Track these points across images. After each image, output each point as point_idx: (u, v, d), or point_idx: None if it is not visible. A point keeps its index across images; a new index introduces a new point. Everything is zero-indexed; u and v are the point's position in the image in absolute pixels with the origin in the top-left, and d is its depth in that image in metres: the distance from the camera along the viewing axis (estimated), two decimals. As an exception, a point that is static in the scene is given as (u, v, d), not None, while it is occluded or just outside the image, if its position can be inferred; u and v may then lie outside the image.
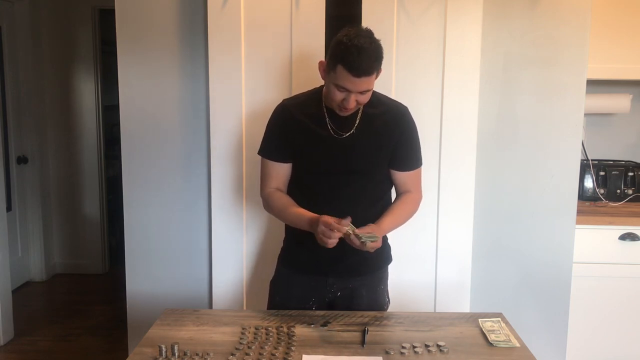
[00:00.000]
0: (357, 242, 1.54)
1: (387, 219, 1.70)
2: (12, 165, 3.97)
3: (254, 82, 2.21)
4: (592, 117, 2.91)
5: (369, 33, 1.58)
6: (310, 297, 1.80)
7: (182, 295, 2.39)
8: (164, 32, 2.28)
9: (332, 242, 1.54)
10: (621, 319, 2.49)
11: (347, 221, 1.53)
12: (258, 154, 1.82)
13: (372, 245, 1.55)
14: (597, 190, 2.72)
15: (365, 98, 1.62)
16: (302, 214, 1.67)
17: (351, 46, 1.51)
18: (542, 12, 2.25)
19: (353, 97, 1.58)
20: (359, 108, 1.69)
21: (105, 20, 4.26)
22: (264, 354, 1.44)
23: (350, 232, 1.54)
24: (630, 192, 2.72)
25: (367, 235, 1.54)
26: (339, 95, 1.59)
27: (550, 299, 2.38)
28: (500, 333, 1.58)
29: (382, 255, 1.83)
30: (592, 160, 2.76)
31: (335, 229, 1.52)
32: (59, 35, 4.23)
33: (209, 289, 2.38)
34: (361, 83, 1.55)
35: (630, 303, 2.48)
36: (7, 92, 3.90)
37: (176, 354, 1.43)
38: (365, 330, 1.58)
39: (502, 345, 1.51)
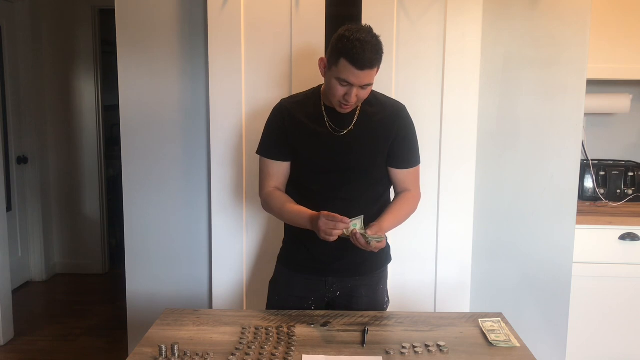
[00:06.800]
0: (362, 241, 1.55)
1: (387, 218, 1.70)
2: (12, 165, 3.97)
3: (254, 82, 2.21)
4: (592, 117, 2.91)
5: (369, 29, 1.60)
6: (310, 297, 1.81)
7: (182, 295, 2.39)
8: (164, 32, 2.28)
9: (336, 232, 1.55)
10: (621, 319, 2.49)
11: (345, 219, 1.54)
12: (257, 153, 1.82)
13: (376, 245, 1.56)
14: (597, 190, 2.72)
15: (365, 93, 1.63)
16: (302, 212, 1.68)
17: (354, 40, 1.53)
18: (542, 12, 2.25)
19: (354, 91, 1.59)
20: (357, 106, 1.70)
21: (105, 20, 4.26)
22: (264, 354, 1.44)
23: (357, 230, 1.55)
24: (630, 192, 2.72)
25: (373, 236, 1.55)
26: (340, 90, 1.60)
27: (550, 299, 2.38)
28: (500, 333, 1.58)
29: (382, 254, 1.83)
30: (592, 160, 2.76)
31: (339, 221, 1.53)
32: (59, 35, 4.23)
33: (209, 289, 2.38)
34: (364, 76, 1.57)
35: (630, 303, 2.48)
36: (7, 92, 3.90)
37: (176, 354, 1.43)
38: (365, 330, 1.58)
39: (502, 345, 1.51)
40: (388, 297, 1.90)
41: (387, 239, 1.85)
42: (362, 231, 1.56)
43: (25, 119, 4.07)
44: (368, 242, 1.55)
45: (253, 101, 2.21)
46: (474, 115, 2.20)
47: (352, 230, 1.55)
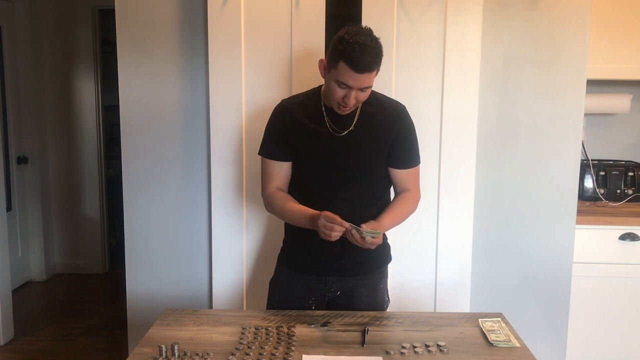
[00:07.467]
0: (357, 236, 1.54)
1: (386, 217, 1.70)
2: (12, 165, 3.97)
3: (254, 82, 2.21)
4: (592, 117, 2.91)
5: (369, 31, 1.60)
6: (310, 297, 1.81)
7: (182, 295, 2.39)
8: (164, 32, 2.28)
9: (336, 235, 1.55)
10: (621, 319, 2.49)
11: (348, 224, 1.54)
12: (259, 154, 1.83)
13: (372, 241, 1.56)
14: (597, 190, 2.72)
15: (364, 95, 1.63)
16: (303, 211, 1.68)
17: (353, 43, 1.53)
18: (542, 12, 2.25)
19: (353, 94, 1.59)
20: (358, 107, 1.70)
21: (105, 20, 4.26)
22: (264, 354, 1.44)
23: (351, 226, 1.54)
24: (630, 192, 2.72)
25: (368, 231, 1.55)
26: (339, 92, 1.60)
27: (550, 299, 2.38)
28: (500, 333, 1.58)
29: (382, 254, 1.84)
30: (592, 160, 2.76)
31: (338, 223, 1.53)
32: (59, 35, 4.23)
33: (209, 289, 2.38)
34: (362, 79, 1.57)
35: (630, 303, 2.48)
36: (7, 92, 3.90)
37: (176, 354, 1.43)
38: (365, 330, 1.58)
39: (502, 345, 1.52)
40: (388, 297, 1.90)
41: (386, 239, 1.86)
42: (357, 226, 1.55)
43: (25, 119, 4.07)
44: (363, 238, 1.54)
45: (253, 101, 2.21)
46: (474, 115, 2.20)
47: (347, 227, 1.55)
